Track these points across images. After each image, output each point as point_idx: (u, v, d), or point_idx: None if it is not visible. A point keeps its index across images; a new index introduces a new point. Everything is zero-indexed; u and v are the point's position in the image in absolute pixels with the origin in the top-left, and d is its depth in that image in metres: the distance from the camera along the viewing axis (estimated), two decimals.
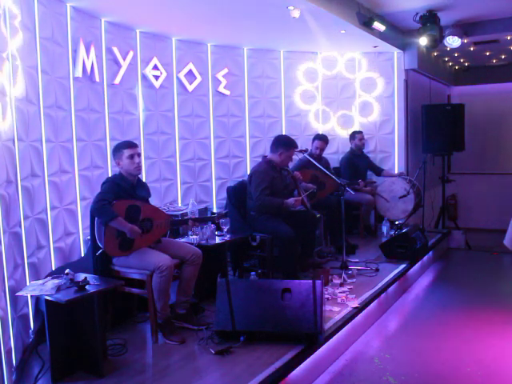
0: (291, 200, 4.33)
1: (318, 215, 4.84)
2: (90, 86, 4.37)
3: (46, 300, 2.75)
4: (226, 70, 6.06)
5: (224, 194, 5.45)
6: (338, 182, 4.59)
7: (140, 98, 5.16)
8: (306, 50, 6.63)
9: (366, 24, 5.30)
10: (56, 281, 2.89)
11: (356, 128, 6.69)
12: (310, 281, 3.27)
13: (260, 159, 4.65)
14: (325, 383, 3.15)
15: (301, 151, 4.73)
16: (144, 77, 5.19)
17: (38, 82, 3.52)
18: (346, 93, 6.85)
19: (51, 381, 2.76)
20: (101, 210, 3.17)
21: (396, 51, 6.58)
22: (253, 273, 3.96)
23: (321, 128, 6.78)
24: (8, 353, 2.58)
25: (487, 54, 7.40)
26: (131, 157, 3.40)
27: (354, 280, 4.47)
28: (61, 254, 3.76)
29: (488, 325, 4.03)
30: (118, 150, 3.45)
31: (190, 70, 5.70)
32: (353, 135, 6.32)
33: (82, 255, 4.09)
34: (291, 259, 4.25)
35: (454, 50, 6.73)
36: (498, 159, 8.59)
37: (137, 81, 5.12)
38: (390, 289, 4.43)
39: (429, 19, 5.56)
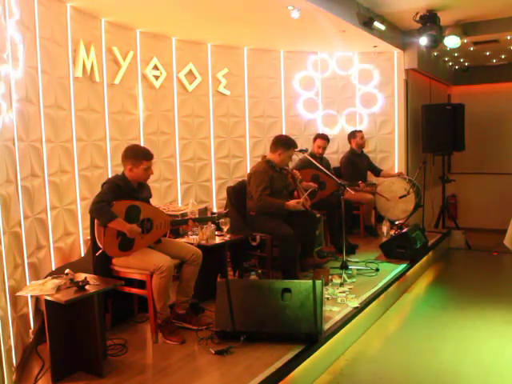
0: (292, 202, 4.32)
1: (318, 215, 4.85)
2: (90, 86, 4.37)
3: (46, 300, 2.75)
4: (226, 70, 6.06)
5: (224, 194, 5.46)
6: (338, 182, 4.59)
7: (140, 98, 5.16)
8: (306, 50, 6.63)
9: (366, 24, 5.30)
10: (56, 281, 2.89)
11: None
12: (310, 281, 3.27)
13: (260, 159, 4.64)
14: (325, 383, 3.15)
15: (301, 151, 4.72)
16: (144, 77, 5.19)
17: (37, 82, 3.52)
18: (346, 93, 6.87)
19: (51, 381, 2.76)
20: (99, 211, 3.17)
21: (396, 51, 6.59)
22: (253, 273, 3.96)
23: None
24: (8, 352, 2.58)
25: (487, 53, 7.39)
26: (148, 168, 3.39)
27: (354, 280, 4.47)
28: (61, 254, 3.77)
29: (488, 325, 4.03)
30: (136, 157, 3.35)
31: (190, 70, 5.71)
32: (353, 134, 6.29)
33: (82, 255, 4.09)
34: (291, 259, 4.25)
35: (453, 50, 6.73)
36: (498, 159, 8.58)
37: (137, 81, 5.12)
38: (390, 289, 4.43)
39: (429, 19, 5.56)
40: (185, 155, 5.78)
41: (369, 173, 6.42)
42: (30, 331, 3.16)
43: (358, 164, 6.20)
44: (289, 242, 4.21)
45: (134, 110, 5.09)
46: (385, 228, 5.94)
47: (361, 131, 6.33)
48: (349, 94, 6.86)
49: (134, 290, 3.44)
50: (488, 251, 6.53)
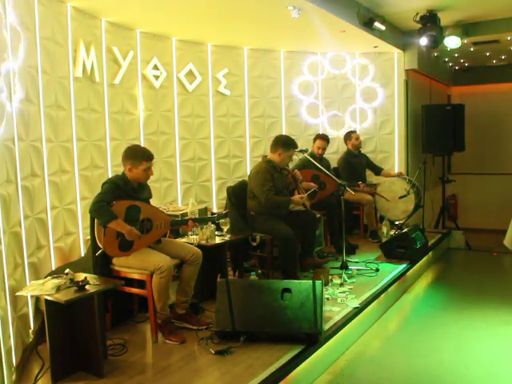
0: (297, 197, 4.36)
1: (318, 215, 4.85)
2: (90, 86, 4.37)
3: (46, 300, 2.75)
4: (226, 70, 6.06)
5: (224, 194, 5.45)
6: (338, 182, 4.60)
7: (140, 97, 5.16)
8: (306, 50, 6.63)
9: (366, 24, 5.30)
10: (56, 281, 2.88)
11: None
12: (310, 281, 3.27)
13: (260, 159, 4.64)
14: (325, 383, 3.15)
15: (301, 151, 4.72)
16: (144, 77, 5.19)
17: (38, 81, 3.52)
18: (346, 92, 6.86)
19: (51, 381, 2.76)
20: (99, 211, 3.16)
21: (396, 51, 6.58)
22: (253, 273, 3.96)
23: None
24: (8, 352, 2.58)
25: (487, 54, 7.40)
26: (148, 169, 3.39)
27: (354, 280, 4.47)
28: (61, 254, 3.76)
29: (488, 325, 4.02)
30: (136, 158, 3.35)
31: (190, 70, 5.71)
32: (348, 135, 6.24)
33: (82, 255, 4.09)
34: (291, 259, 4.25)
35: (453, 51, 6.73)
36: (498, 159, 8.59)
37: (137, 81, 5.12)
38: (390, 289, 4.43)
39: (429, 19, 5.56)
40: (185, 155, 5.78)
41: (369, 173, 6.41)
42: (30, 331, 3.16)
43: (356, 165, 6.17)
44: (289, 242, 4.21)
45: (134, 110, 5.09)
46: (385, 228, 5.93)
47: (355, 132, 6.29)
48: (349, 93, 6.85)
49: (134, 290, 3.45)
50: (488, 251, 6.54)
